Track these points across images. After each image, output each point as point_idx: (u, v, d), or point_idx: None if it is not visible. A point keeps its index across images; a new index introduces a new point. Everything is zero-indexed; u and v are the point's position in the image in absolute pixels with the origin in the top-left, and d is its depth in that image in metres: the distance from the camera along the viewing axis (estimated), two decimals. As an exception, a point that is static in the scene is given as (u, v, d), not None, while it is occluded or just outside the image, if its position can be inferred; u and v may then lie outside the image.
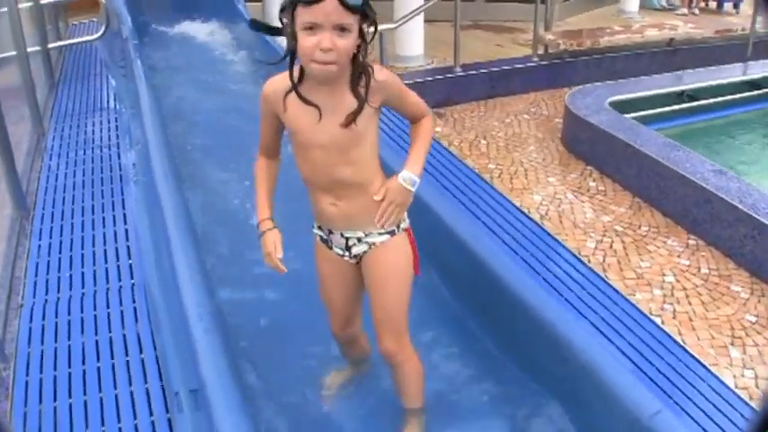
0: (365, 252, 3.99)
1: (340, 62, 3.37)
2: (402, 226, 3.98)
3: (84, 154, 8.21)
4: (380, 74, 3.59)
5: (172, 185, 6.03)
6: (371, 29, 3.47)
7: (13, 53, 8.83)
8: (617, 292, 5.27)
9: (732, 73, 11.63)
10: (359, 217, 3.89)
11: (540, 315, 4.65)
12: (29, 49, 9.24)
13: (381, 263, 4.00)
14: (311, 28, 3.29)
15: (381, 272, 4.02)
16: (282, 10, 3.42)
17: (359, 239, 3.96)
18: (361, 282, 4.18)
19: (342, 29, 3.29)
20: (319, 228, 4.08)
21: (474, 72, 11.90)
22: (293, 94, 3.59)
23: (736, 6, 19.62)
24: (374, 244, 3.95)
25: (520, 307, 4.77)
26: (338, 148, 3.64)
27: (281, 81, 3.65)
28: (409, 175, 3.78)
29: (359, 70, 3.50)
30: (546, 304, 4.76)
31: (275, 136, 3.96)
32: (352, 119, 3.54)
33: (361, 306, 4.41)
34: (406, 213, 3.99)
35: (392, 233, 3.95)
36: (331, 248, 4.07)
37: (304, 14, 3.29)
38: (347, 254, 4.03)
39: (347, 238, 3.97)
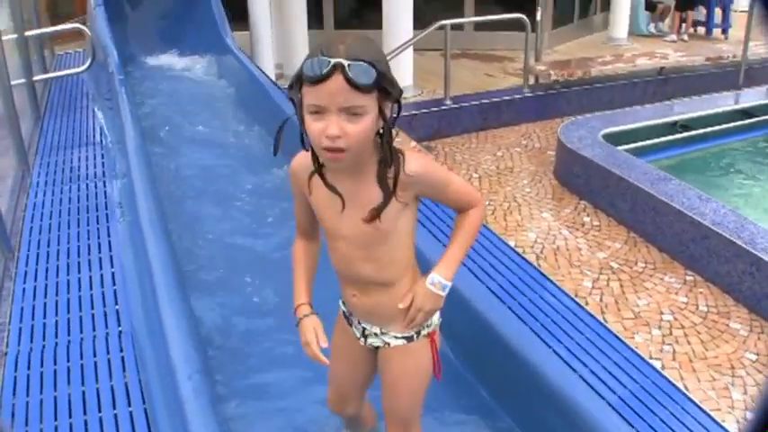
0: (380, 347, 3.61)
1: (352, 150, 2.87)
2: (423, 333, 3.53)
3: (71, 191, 8.08)
4: (413, 164, 3.06)
5: (158, 230, 5.89)
6: (395, 106, 2.98)
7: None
8: (617, 337, 5.16)
9: (725, 102, 11.62)
10: (378, 314, 3.50)
11: (539, 369, 4.56)
12: (13, 82, 9.13)
13: (394, 366, 3.63)
14: (317, 112, 2.81)
15: (393, 375, 3.66)
16: (290, 87, 2.96)
17: (375, 334, 3.57)
18: (371, 367, 3.82)
19: (353, 113, 2.80)
20: (344, 303, 3.70)
21: (464, 104, 11.84)
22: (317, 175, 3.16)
23: (724, 32, 19.76)
24: (389, 344, 3.56)
25: (519, 360, 4.67)
26: (360, 243, 3.24)
27: (306, 158, 3.16)
28: (439, 280, 3.31)
29: (387, 158, 3.02)
30: (545, 357, 4.67)
31: (309, 216, 3.48)
32: (375, 215, 3.09)
33: (364, 392, 4.08)
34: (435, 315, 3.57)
35: (410, 338, 3.52)
36: (351, 325, 3.70)
37: (308, 95, 2.82)
38: (363, 340, 3.65)
39: (364, 328, 3.60)
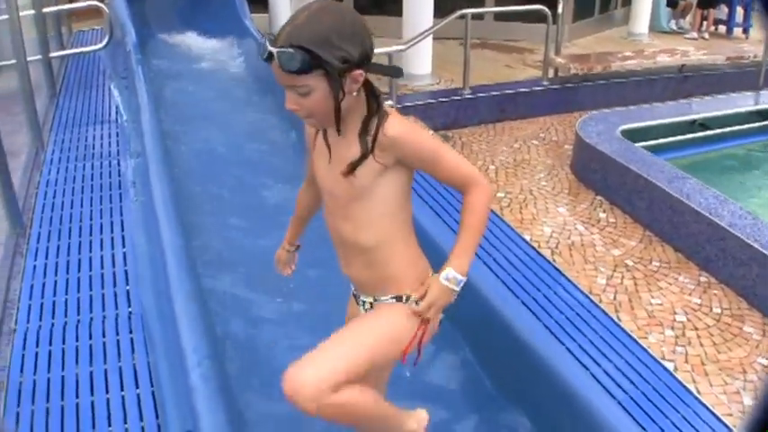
0: None
1: (316, 117, 3.13)
2: (413, 300, 3.39)
3: (84, 169, 8.07)
4: (393, 128, 3.14)
5: (171, 213, 5.87)
6: (357, 72, 3.04)
7: (13, 61, 8.72)
8: (631, 337, 5.15)
9: (744, 102, 11.51)
10: (365, 284, 3.53)
11: (551, 365, 4.52)
12: (30, 58, 9.11)
13: (365, 313, 3.58)
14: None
15: (357, 318, 3.58)
16: None
17: (371, 304, 3.54)
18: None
19: (298, 92, 3.03)
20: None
21: (483, 94, 11.80)
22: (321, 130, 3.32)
23: (745, 31, 19.64)
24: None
25: (531, 355, 4.63)
26: (339, 198, 3.35)
27: None
28: (454, 275, 3.25)
29: (371, 116, 3.16)
30: (558, 354, 4.63)
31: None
32: (350, 169, 3.19)
33: (380, 384, 3.85)
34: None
35: (399, 298, 3.43)
36: (357, 301, 3.68)
37: None
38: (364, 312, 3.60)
39: (363, 302, 3.59)
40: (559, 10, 12.85)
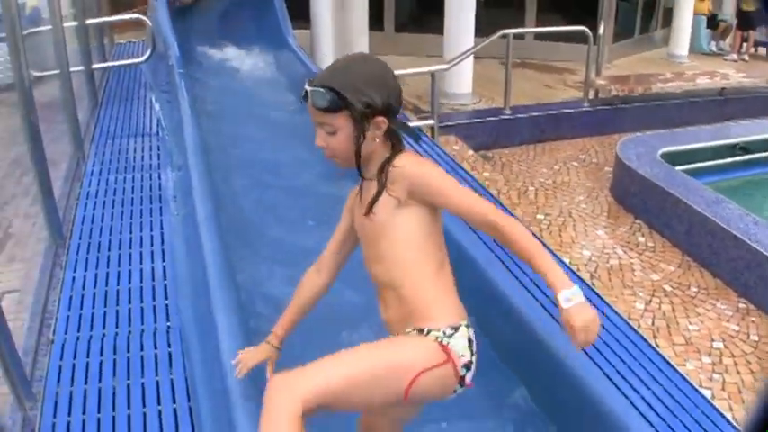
0: None
1: (339, 157, 3.33)
2: (436, 336, 3.24)
3: (125, 181, 8.10)
4: (401, 160, 3.28)
5: (213, 229, 5.85)
6: (380, 118, 3.22)
7: (57, 72, 8.78)
8: (669, 364, 5.11)
9: (786, 127, 11.44)
10: (395, 323, 3.41)
11: (589, 390, 4.51)
12: (72, 69, 9.18)
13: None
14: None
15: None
16: None
17: None
18: (403, 410, 3.66)
19: (327, 130, 3.27)
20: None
21: (523, 115, 11.83)
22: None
23: (785, 53, 19.56)
24: None
25: (570, 380, 4.62)
26: (368, 240, 3.44)
27: None
28: (566, 293, 2.95)
29: (390, 158, 3.31)
30: (596, 379, 4.62)
31: (341, 235, 3.72)
32: (369, 207, 3.31)
33: (397, 427, 3.87)
34: (443, 328, 3.27)
35: (420, 331, 3.27)
36: None
37: None
38: None
39: None
40: (600, 31, 12.87)
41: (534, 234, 6.69)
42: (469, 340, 3.33)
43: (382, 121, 3.21)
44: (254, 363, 3.77)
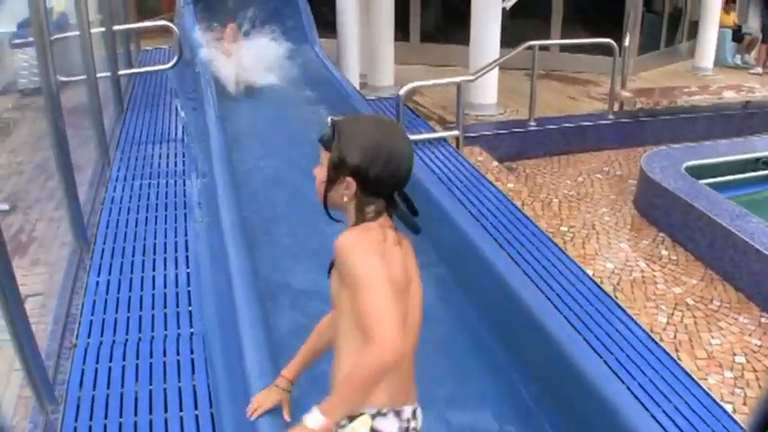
0: None
1: (317, 191, 3.28)
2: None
3: (150, 188, 8.16)
4: (342, 236, 3.13)
5: (238, 237, 5.85)
6: (350, 179, 3.13)
7: (83, 77, 8.83)
8: (691, 378, 5.12)
9: (811, 141, 11.42)
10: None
11: (611, 404, 4.51)
12: (99, 75, 9.23)
13: None
14: None
15: None
16: None
17: None
18: None
19: (321, 159, 3.26)
20: None
21: (548, 126, 11.85)
22: None
23: (811, 67, 19.47)
24: None
25: (592, 393, 4.62)
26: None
27: None
28: (312, 415, 3.01)
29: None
30: (618, 392, 4.62)
31: None
32: (328, 269, 3.26)
33: None
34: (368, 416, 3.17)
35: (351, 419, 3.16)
36: None
37: None
38: None
39: None
40: (626, 43, 12.86)
41: (557, 245, 6.75)
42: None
43: (350, 182, 3.11)
44: (270, 406, 3.79)
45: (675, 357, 5.56)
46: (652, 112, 12.56)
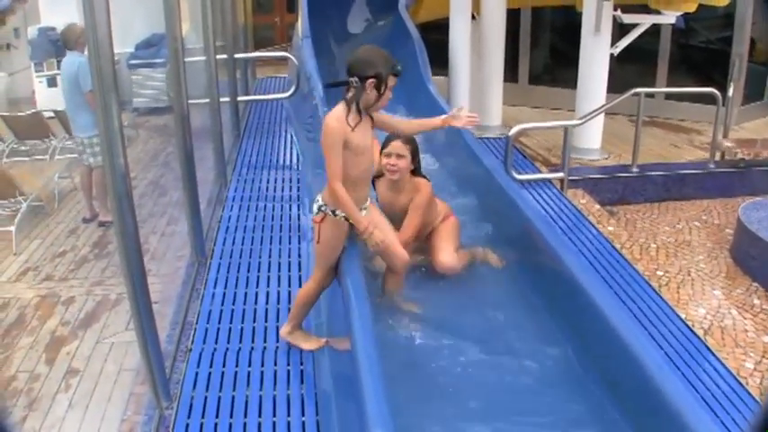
0: None
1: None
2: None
3: (265, 210, 8.58)
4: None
5: (355, 261, 6.00)
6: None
7: (206, 101, 9.23)
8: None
9: None
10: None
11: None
12: (221, 100, 9.65)
13: None
14: None
15: None
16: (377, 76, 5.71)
17: None
18: None
19: None
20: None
21: (650, 173, 11.98)
22: None
23: None
24: None
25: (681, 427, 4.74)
26: None
27: None
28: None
29: None
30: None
31: None
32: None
33: None
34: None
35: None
36: None
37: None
38: None
39: None
40: (729, 93, 12.91)
41: (653, 288, 6.97)
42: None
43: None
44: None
45: (760, 400, 5.75)
46: (753, 162, 12.57)
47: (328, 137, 5.63)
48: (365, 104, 5.73)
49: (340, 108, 5.73)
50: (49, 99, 16.81)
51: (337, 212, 5.80)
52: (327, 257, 5.95)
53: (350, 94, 5.70)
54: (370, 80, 5.62)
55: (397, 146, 6.89)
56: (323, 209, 5.85)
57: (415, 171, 7.09)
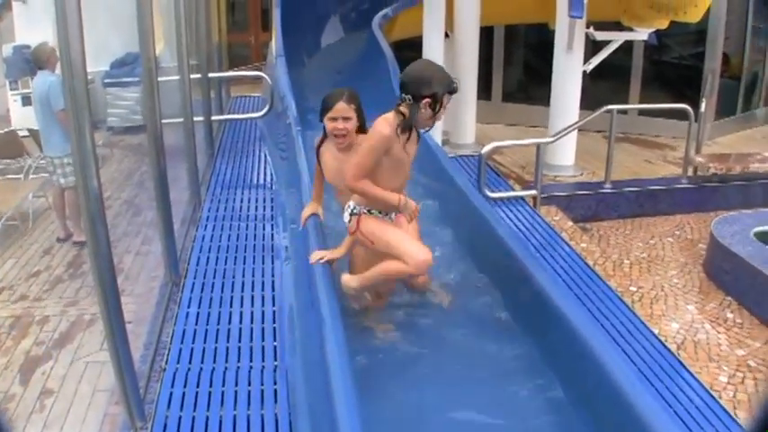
0: None
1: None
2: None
3: (239, 229, 8.58)
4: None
5: (328, 283, 5.94)
6: None
7: (180, 120, 9.22)
8: (746, 434, 5.33)
9: None
10: None
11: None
12: (195, 119, 9.64)
13: None
14: None
15: None
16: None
17: None
18: None
19: None
20: None
21: (623, 189, 12.09)
22: None
23: None
24: None
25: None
26: None
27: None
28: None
29: None
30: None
31: None
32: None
33: None
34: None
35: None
36: None
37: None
38: None
39: None
40: (702, 108, 12.97)
41: (626, 304, 7.00)
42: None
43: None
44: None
45: (733, 415, 5.78)
46: (725, 177, 12.64)
47: (374, 140, 5.64)
48: (417, 122, 5.68)
49: (392, 116, 5.66)
50: (23, 117, 16.70)
51: (372, 211, 5.90)
52: (393, 244, 5.83)
53: (403, 108, 5.63)
54: (426, 100, 5.54)
55: (341, 108, 6.56)
56: (355, 211, 5.93)
57: (362, 128, 6.64)
